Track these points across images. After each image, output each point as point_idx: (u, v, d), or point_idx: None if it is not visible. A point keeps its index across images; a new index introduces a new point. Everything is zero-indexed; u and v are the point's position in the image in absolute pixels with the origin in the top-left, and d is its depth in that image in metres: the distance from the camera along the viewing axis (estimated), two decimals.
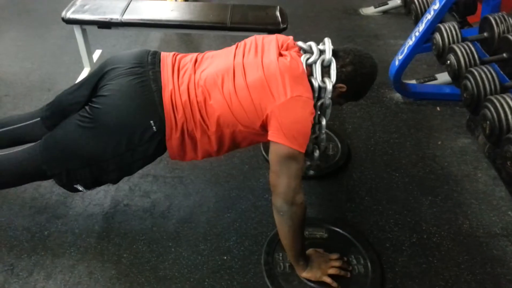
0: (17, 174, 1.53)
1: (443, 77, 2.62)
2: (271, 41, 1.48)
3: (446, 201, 1.89)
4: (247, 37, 3.00)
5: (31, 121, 1.60)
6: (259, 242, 1.67)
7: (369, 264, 1.59)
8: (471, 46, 2.07)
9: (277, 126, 1.32)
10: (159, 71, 1.43)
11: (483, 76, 1.90)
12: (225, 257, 1.62)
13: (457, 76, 2.09)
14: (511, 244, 1.70)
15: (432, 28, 2.31)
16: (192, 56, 1.53)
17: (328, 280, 1.48)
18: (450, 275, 1.59)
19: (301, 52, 1.46)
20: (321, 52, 1.44)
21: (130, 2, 2.52)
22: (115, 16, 2.37)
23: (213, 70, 1.43)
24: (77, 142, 1.41)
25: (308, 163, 1.86)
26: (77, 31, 2.43)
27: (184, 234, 1.70)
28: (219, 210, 1.81)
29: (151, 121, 1.38)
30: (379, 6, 3.58)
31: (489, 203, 1.88)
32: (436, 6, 2.27)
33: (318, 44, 1.48)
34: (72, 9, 2.42)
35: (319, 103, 1.45)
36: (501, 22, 2.09)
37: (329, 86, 1.40)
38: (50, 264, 1.57)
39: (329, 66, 1.42)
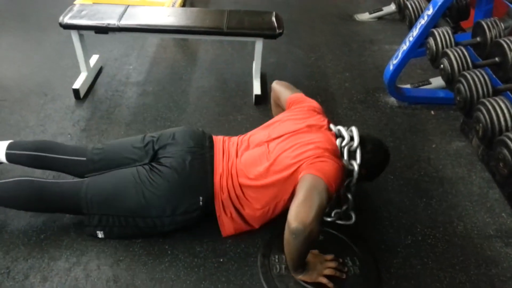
0: (56, 204, 1.63)
1: (437, 81, 2.66)
2: (311, 124, 1.65)
3: (441, 203, 1.91)
4: (243, 42, 3.04)
5: (76, 158, 1.71)
6: (255, 244, 1.68)
7: (364, 265, 1.60)
8: (464, 50, 2.10)
9: (310, 166, 1.46)
10: (213, 155, 1.64)
11: (476, 79, 1.93)
12: (221, 259, 1.63)
13: (451, 80, 2.11)
14: (505, 245, 1.72)
15: (426, 33, 2.34)
16: (235, 139, 1.74)
17: (324, 280, 1.49)
18: (445, 276, 1.60)
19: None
20: (350, 137, 1.64)
21: (127, 7, 2.54)
22: (112, 21, 2.39)
23: (249, 155, 1.61)
24: (130, 195, 1.55)
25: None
26: (74, 36, 2.45)
27: (181, 236, 1.70)
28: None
29: (200, 197, 1.57)
30: (374, 12, 3.62)
31: (483, 205, 1.90)
32: (430, 12, 2.31)
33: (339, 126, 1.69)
34: (70, 14, 2.43)
35: (346, 182, 1.64)
36: (493, 27, 2.12)
37: (356, 167, 1.60)
38: (46, 267, 1.57)
39: (354, 151, 1.62)
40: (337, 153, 1.59)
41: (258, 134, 1.71)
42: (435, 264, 1.64)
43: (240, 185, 1.58)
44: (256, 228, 1.67)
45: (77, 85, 2.49)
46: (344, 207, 1.73)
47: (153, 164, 1.61)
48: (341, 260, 1.59)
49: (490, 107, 1.74)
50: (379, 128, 2.37)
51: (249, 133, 1.76)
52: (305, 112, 1.71)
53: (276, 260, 1.60)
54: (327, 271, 1.51)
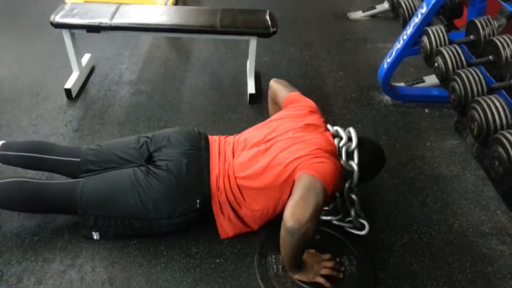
0: (51, 205, 1.61)
1: (431, 80, 2.66)
2: (315, 127, 1.65)
3: (436, 202, 1.91)
4: (237, 41, 3.02)
5: (70, 159, 1.69)
6: (252, 244, 1.67)
7: (361, 264, 1.59)
8: (458, 48, 2.11)
9: (307, 166, 1.45)
10: (209, 157, 1.62)
11: (470, 78, 1.93)
12: (217, 260, 1.61)
13: (445, 78, 2.12)
14: (500, 243, 1.73)
15: (420, 31, 2.35)
16: (231, 138, 1.71)
17: (321, 280, 1.49)
18: (441, 275, 1.60)
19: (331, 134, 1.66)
20: (347, 137, 1.63)
21: (119, 6, 2.51)
22: (104, 20, 2.36)
23: (245, 156, 1.59)
24: (126, 197, 1.53)
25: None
26: (65, 35, 2.41)
27: (176, 237, 1.68)
28: (211, 213, 1.80)
29: (198, 200, 1.56)
30: (367, 10, 3.62)
31: (478, 203, 1.91)
32: (424, 10, 2.31)
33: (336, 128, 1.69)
34: (61, 13, 2.40)
35: (347, 184, 1.63)
36: (487, 25, 2.14)
37: (356, 167, 1.60)
38: (40, 269, 1.55)
39: (352, 152, 1.61)
40: (335, 154, 1.59)
41: (255, 133, 1.70)
42: (431, 262, 1.65)
43: (238, 186, 1.56)
44: (255, 229, 1.65)
45: (69, 84, 2.46)
46: (352, 212, 1.71)
47: (149, 166, 1.59)
48: (338, 260, 1.59)
49: (485, 105, 1.74)
50: (374, 127, 2.37)
51: (245, 132, 1.74)
52: (303, 112, 1.71)
53: (273, 260, 1.59)
54: (324, 271, 1.51)
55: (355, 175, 1.60)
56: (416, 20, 2.35)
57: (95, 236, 1.61)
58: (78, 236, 1.65)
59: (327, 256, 1.57)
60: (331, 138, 1.62)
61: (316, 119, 1.68)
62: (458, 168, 2.10)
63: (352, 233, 1.72)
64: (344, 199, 1.70)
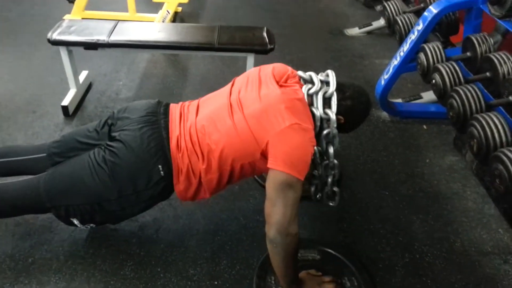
0: (15, 204, 1.55)
1: (429, 96, 2.67)
2: (267, 72, 1.51)
3: (437, 220, 1.89)
4: (235, 57, 3.02)
5: (36, 155, 1.62)
6: (250, 265, 1.64)
7: (362, 285, 1.56)
8: (455, 65, 2.11)
9: (275, 153, 1.34)
10: (168, 120, 1.52)
11: (468, 95, 1.93)
12: (215, 282, 1.58)
13: (443, 95, 2.12)
14: (503, 262, 1.71)
15: (417, 48, 2.35)
16: (195, 101, 1.61)
17: None
18: None
19: (302, 82, 1.50)
20: (322, 83, 1.47)
21: (117, 23, 2.51)
22: (102, 37, 2.36)
23: (210, 111, 1.49)
24: (86, 180, 1.45)
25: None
26: (63, 52, 2.41)
27: (173, 258, 1.65)
28: (209, 233, 1.77)
29: (159, 166, 1.45)
30: (364, 27, 3.65)
31: (479, 221, 1.89)
32: (420, 27, 2.32)
33: (317, 74, 1.52)
34: (58, 30, 2.40)
35: (324, 132, 1.49)
36: (483, 42, 2.14)
37: (333, 116, 1.45)
38: None
39: (330, 98, 1.46)
40: (304, 105, 1.42)
41: (220, 90, 1.60)
42: (433, 283, 1.62)
43: (199, 143, 1.44)
44: (208, 197, 1.54)
45: (66, 101, 2.45)
46: (330, 178, 1.58)
47: (108, 142, 1.49)
48: (339, 281, 1.55)
49: (484, 123, 1.74)
50: (372, 143, 2.36)
51: (212, 93, 1.64)
52: (270, 69, 1.54)
53: (273, 282, 1.56)
54: None
55: (332, 124, 1.45)
56: (413, 36, 2.37)
57: (76, 221, 1.52)
58: (73, 257, 1.62)
59: (328, 278, 1.53)
60: (296, 90, 1.45)
61: (282, 70, 1.52)
62: (458, 185, 2.09)
63: (352, 252, 1.69)
64: (316, 161, 1.57)
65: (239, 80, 1.59)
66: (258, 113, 1.39)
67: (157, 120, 1.52)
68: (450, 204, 1.98)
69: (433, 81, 2.16)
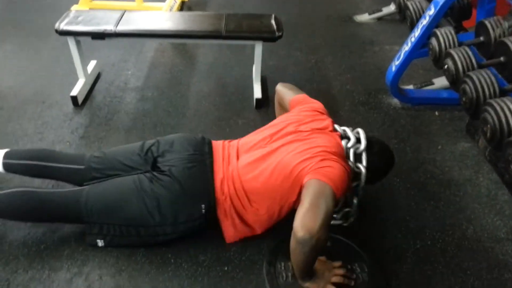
0: (56, 214, 1.58)
1: (440, 82, 2.62)
2: (313, 127, 1.60)
3: (448, 206, 1.87)
4: (242, 45, 3.00)
5: (75, 166, 1.68)
6: (260, 251, 1.64)
7: (373, 272, 1.55)
8: (468, 50, 2.07)
9: (316, 171, 1.41)
10: (213, 161, 1.59)
11: (482, 80, 1.89)
12: (225, 268, 1.58)
13: (455, 80, 2.08)
14: None
15: (428, 33, 2.31)
16: (234, 143, 1.69)
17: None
18: (456, 282, 1.56)
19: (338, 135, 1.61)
20: (356, 139, 1.59)
21: (124, 12, 2.50)
22: (109, 27, 2.35)
23: (252, 159, 1.56)
24: (133, 203, 1.51)
25: None
26: (71, 42, 2.41)
27: (184, 245, 1.65)
28: None
29: (203, 205, 1.53)
30: (373, 13, 3.59)
31: (492, 207, 1.86)
32: (431, 12, 2.28)
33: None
34: (66, 20, 2.40)
35: (354, 184, 1.60)
36: (497, 26, 2.10)
37: (364, 170, 1.56)
38: (47, 278, 1.52)
39: (360, 154, 1.58)
40: (343, 155, 1.55)
41: (259, 135, 1.67)
42: (445, 269, 1.60)
43: (243, 189, 1.54)
44: (259, 233, 1.62)
45: (75, 92, 2.45)
46: (345, 210, 1.69)
47: (154, 173, 1.57)
48: (349, 267, 1.55)
49: (498, 108, 1.70)
50: (383, 130, 2.34)
51: (250, 135, 1.72)
52: (309, 113, 1.68)
53: (283, 268, 1.55)
54: (335, 279, 1.47)
55: (363, 178, 1.57)
56: (424, 22, 2.32)
57: (100, 243, 1.59)
58: (84, 244, 1.63)
59: (338, 263, 1.53)
60: (338, 139, 1.58)
61: (322, 120, 1.65)
62: (471, 171, 2.06)
63: (363, 239, 1.68)
64: (347, 201, 1.68)
65: (279, 126, 1.65)
66: (307, 160, 1.46)
67: (204, 160, 1.59)
68: (462, 191, 1.95)
69: (445, 66, 2.13)
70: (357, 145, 1.58)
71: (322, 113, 1.69)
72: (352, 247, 1.64)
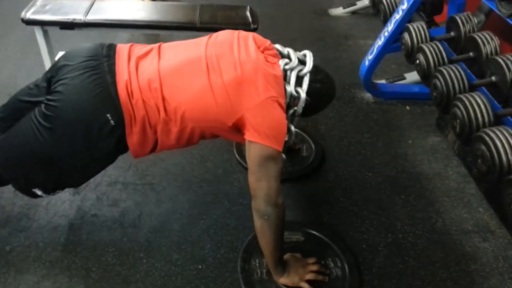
0: None
1: (412, 77, 2.66)
2: (247, 38, 1.44)
3: (419, 200, 1.91)
4: None
5: None
6: (235, 248, 1.63)
7: (346, 266, 1.57)
8: (439, 45, 2.10)
9: (255, 125, 1.30)
10: (114, 63, 1.34)
11: (452, 75, 1.92)
12: (200, 266, 1.57)
13: (427, 75, 2.11)
14: (482, 240, 1.73)
15: (401, 28, 2.33)
16: (153, 45, 1.44)
17: (305, 286, 1.45)
18: (426, 274, 1.60)
19: (279, 55, 1.45)
20: (298, 60, 1.45)
21: (94, 1, 2.42)
22: (78, 17, 2.27)
23: (181, 61, 1.36)
24: (33, 143, 1.32)
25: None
26: (38, 32, 2.31)
27: (157, 243, 1.63)
28: (192, 217, 1.75)
29: (108, 115, 1.29)
30: (348, 7, 3.60)
31: (460, 200, 1.91)
32: (404, 6, 2.29)
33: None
34: (32, 9, 2.29)
35: (291, 111, 1.47)
36: (467, 22, 2.13)
37: (303, 95, 1.43)
38: (13, 281, 1.48)
39: (303, 77, 1.44)
40: (280, 81, 1.38)
41: (190, 41, 1.48)
42: (416, 262, 1.64)
43: (162, 93, 1.31)
44: (157, 152, 1.44)
45: None
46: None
47: (48, 97, 1.33)
48: (323, 262, 1.56)
49: (467, 103, 1.74)
50: (356, 124, 2.36)
51: (177, 41, 1.51)
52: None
53: (257, 265, 1.55)
54: (309, 276, 1.48)
55: (301, 103, 1.44)
56: (397, 16, 2.34)
57: (38, 191, 1.41)
58: (52, 245, 1.59)
59: (312, 260, 1.54)
60: (277, 63, 1.41)
61: (259, 40, 1.46)
62: (440, 165, 2.11)
63: (336, 234, 1.70)
64: None
65: (215, 36, 1.48)
66: (237, 81, 1.31)
67: (98, 64, 1.33)
68: (432, 184, 1.99)
69: (417, 61, 2.15)
70: (301, 67, 1.44)
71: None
72: (325, 241, 1.66)
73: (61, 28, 2.30)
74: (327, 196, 1.91)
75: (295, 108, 1.47)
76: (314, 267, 1.51)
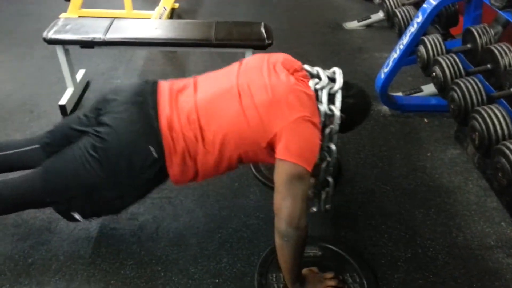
0: (16, 201, 1.51)
1: (429, 89, 2.64)
2: (276, 62, 1.46)
3: (439, 214, 1.88)
4: (233, 53, 3.00)
5: (29, 147, 1.57)
6: (251, 262, 1.62)
7: (364, 282, 1.55)
8: (455, 57, 2.09)
9: (286, 143, 1.32)
10: (157, 99, 1.43)
11: (469, 87, 1.91)
12: (216, 280, 1.57)
13: (443, 87, 2.10)
14: (506, 256, 1.69)
15: (416, 40, 2.33)
16: (190, 79, 1.52)
17: None
18: None
19: (309, 76, 1.48)
20: (328, 79, 1.46)
21: (113, 20, 2.49)
22: (98, 35, 2.33)
23: (215, 92, 1.42)
24: (80, 171, 1.39)
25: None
26: (59, 51, 2.39)
27: (174, 257, 1.64)
28: (209, 231, 1.76)
29: (150, 147, 1.37)
30: (362, 20, 3.62)
31: (482, 215, 1.87)
32: (419, 19, 2.30)
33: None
34: (54, 29, 2.38)
35: (327, 129, 1.47)
36: (483, 34, 2.12)
37: (337, 112, 1.43)
38: None
39: (334, 94, 1.44)
40: (313, 100, 1.40)
41: (223, 71, 1.53)
42: (436, 277, 1.60)
43: (200, 124, 1.37)
44: (198, 182, 1.50)
45: (63, 101, 2.43)
46: (324, 165, 1.58)
47: (96, 128, 1.42)
48: (340, 277, 1.54)
49: (485, 115, 1.72)
50: (373, 138, 2.34)
51: (211, 72, 1.56)
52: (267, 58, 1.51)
53: (274, 279, 1.54)
54: None
55: (336, 121, 1.44)
56: (412, 29, 2.34)
57: (77, 216, 1.46)
58: (73, 258, 1.61)
59: (329, 274, 1.52)
60: (307, 83, 1.43)
61: (289, 61, 1.48)
62: (460, 178, 2.07)
63: (354, 248, 1.68)
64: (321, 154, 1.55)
65: (245, 63, 1.52)
66: (268, 102, 1.34)
67: (144, 100, 1.43)
68: (452, 198, 1.96)
69: (434, 73, 2.14)
70: (331, 85, 1.44)
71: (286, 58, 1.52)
72: (343, 256, 1.64)
73: (81, 47, 2.37)
74: (344, 210, 1.89)
75: (332, 126, 1.46)
76: (332, 282, 1.49)
